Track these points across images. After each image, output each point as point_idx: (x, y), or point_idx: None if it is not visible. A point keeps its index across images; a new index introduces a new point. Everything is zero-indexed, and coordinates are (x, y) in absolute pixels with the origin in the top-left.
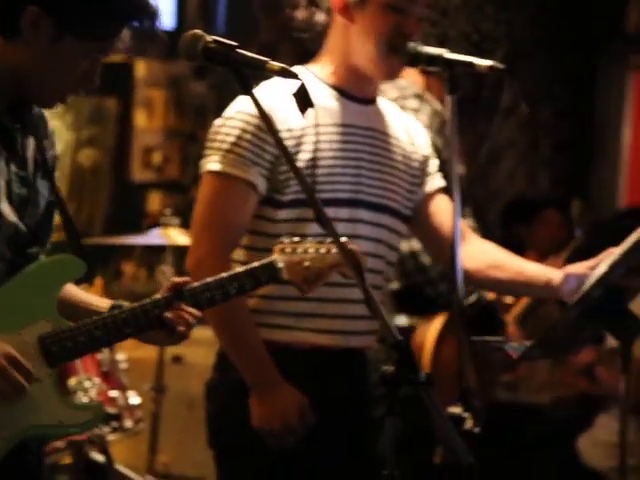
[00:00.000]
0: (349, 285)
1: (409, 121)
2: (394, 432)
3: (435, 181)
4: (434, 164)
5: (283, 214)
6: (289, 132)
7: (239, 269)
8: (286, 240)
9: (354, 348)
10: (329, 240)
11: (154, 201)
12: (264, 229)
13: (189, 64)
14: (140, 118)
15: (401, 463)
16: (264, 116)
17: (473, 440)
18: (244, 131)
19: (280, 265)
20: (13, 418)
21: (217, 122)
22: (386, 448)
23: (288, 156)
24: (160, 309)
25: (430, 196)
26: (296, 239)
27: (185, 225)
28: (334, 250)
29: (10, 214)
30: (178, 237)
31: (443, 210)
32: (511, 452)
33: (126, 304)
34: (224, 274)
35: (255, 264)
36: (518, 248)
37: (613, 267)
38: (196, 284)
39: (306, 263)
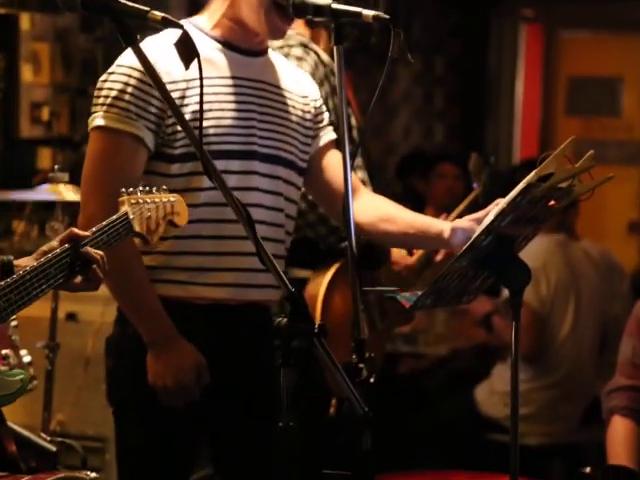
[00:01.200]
0: (246, 237)
1: (299, 73)
2: (289, 384)
3: (327, 134)
4: (326, 117)
5: (176, 168)
6: (173, 84)
7: (104, 222)
8: (130, 190)
9: (255, 301)
10: (164, 188)
11: (44, 157)
12: (158, 185)
13: (76, 17)
14: (26, 73)
15: (297, 415)
16: (148, 67)
17: (369, 391)
18: (127, 84)
19: (131, 217)
20: None
21: (101, 78)
22: (281, 400)
23: (174, 108)
24: (69, 256)
25: (322, 149)
26: (140, 189)
27: (75, 181)
28: (170, 199)
29: None
30: (68, 193)
31: (335, 164)
32: (410, 403)
33: (11, 258)
34: (102, 223)
35: (113, 217)
36: (418, 202)
37: (500, 216)
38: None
39: (148, 213)
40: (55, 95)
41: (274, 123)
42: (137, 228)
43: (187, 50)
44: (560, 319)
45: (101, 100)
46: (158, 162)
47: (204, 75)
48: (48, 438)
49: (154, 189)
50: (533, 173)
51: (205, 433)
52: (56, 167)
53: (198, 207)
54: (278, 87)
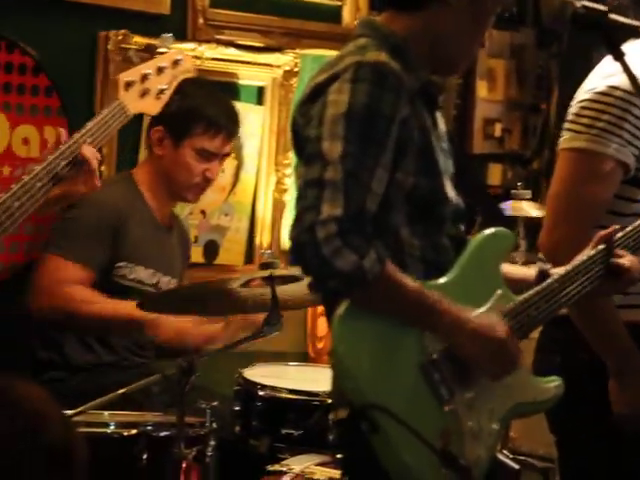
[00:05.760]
0: None
1: None
2: None
3: None
4: None
5: None
6: None
7: (628, 227)
8: None
9: None
10: None
11: (494, 173)
12: (619, 209)
13: (532, 33)
14: (482, 89)
15: None
16: (636, 84)
17: None
18: (626, 110)
19: None
20: (504, 396)
21: (584, 96)
22: None
23: None
24: (606, 258)
25: None
26: None
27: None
28: None
29: (453, 195)
30: (530, 210)
31: None
32: None
33: (548, 266)
34: (627, 228)
35: (637, 223)
36: None
37: None
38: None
39: None
40: (508, 111)
41: None
42: None
43: None
44: None
45: (586, 121)
46: (627, 186)
47: None
48: (510, 455)
49: None
50: None
51: None
52: (520, 185)
53: None
54: None
